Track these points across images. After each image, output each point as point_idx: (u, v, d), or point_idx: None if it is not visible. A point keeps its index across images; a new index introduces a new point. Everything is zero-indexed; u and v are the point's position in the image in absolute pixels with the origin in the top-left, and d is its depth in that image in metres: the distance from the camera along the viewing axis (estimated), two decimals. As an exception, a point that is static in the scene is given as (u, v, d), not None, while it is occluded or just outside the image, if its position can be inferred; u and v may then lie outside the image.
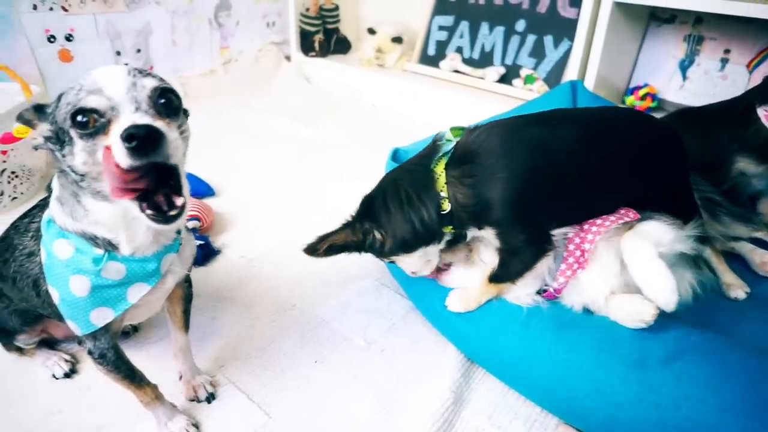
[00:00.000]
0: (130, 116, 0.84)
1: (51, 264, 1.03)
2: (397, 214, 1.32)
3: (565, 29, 2.87)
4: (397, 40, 3.41)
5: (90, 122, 0.84)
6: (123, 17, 3.10)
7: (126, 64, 0.92)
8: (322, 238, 1.43)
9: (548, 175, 1.27)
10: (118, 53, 3.15)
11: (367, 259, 1.89)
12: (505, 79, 3.05)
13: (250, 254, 1.95)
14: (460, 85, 3.15)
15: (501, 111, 2.70)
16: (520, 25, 3.03)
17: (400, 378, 1.45)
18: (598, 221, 1.32)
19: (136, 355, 1.20)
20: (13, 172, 2.16)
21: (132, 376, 1.18)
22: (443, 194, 1.28)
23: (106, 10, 3.01)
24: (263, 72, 3.76)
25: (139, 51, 3.23)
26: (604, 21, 2.44)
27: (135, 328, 1.58)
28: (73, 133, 0.87)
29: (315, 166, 2.65)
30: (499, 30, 3.11)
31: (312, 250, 1.43)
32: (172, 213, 0.88)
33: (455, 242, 1.43)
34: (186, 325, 1.36)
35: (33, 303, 1.19)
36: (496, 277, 1.36)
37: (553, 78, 2.88)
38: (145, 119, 0.83)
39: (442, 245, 1.38)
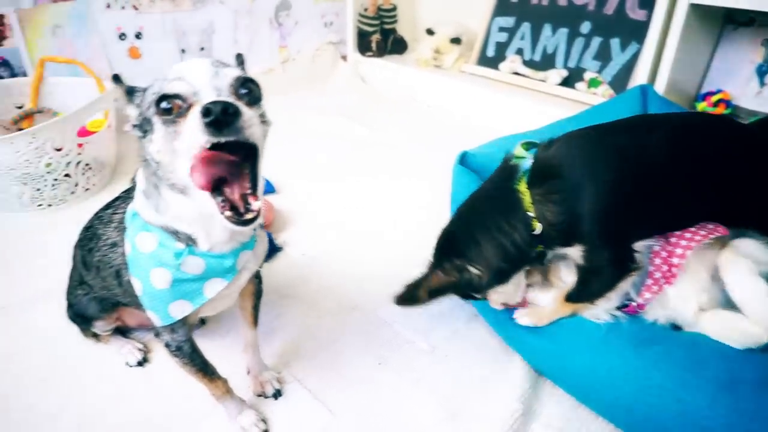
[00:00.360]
0: (210, 100, 0.84)
1: (134, 256, 1.06)
2: (487, 244, 1.24)
3: (634, 31, 2.76)
4: (456, 41, 3.38)
5: (173, 108, 0.86)
6: (189, 16, 3.18)
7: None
8: (415, 286, 1.33)
9: (636, 186, 1.22)
10: (183, 51, 3.24)
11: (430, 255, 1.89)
12: (567, 83, 2.96)
13: (311, 252, 1.96)
14: (520, 87, 3.09)
15: (563, 115, 2.63)
16: (585, 26, 2.94)
17: (465, 385, 1.42)
18: (687, 235, 1.26)
19: (202, 348, 1.23)
20: (87, 164, 2.25)
21: (205, 369, 1.20)
22: (531, 214, 1.21)
23: (174, 9, 3.10)
24: (320, 71, 3.79)
25: (202, 49, 3.31)
26: (679, 23, 2.33)
27: (202, 321, 1.62)
28: (155, 119, 0.88)
29: (372, 165, 2.65)
30: (563, 32, 3.03)
31: (409, 299, 1.35)
32: (249, 217, 0.89)
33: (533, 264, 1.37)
34: (255, 321, 1.37)
35: (114, 292, 1.23)
36: (573, 297, 1.30)
37: (619, 82, 2.79)
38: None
39: (528, 267, 1.33)
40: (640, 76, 2.57)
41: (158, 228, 1.02)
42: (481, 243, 1.25)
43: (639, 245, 1.23)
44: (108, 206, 1.24)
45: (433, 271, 1.34)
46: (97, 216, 1.26)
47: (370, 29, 3.65)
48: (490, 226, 1.25)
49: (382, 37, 3.68)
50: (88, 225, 1.28)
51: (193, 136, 0.81)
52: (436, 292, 1.34)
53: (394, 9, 3.69)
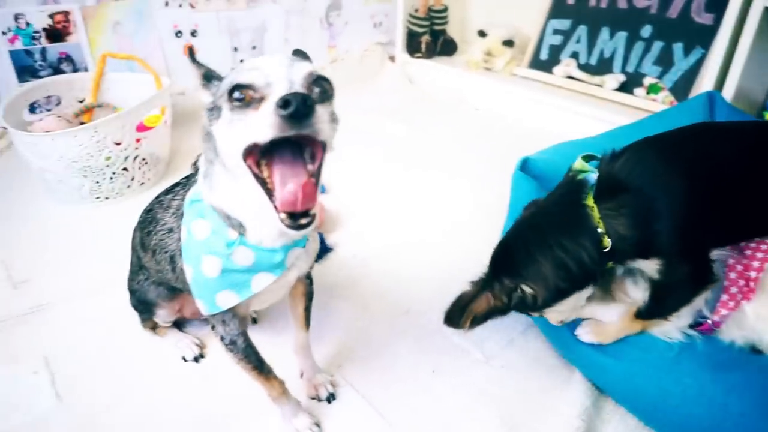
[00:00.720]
0: (283, 92, 0.83)
1: (188, 243, 1.07)
2: (546, 263, 1.18)
3: (699, 36, 2.65)
4: (508, 43, 3.31)
5: (245, 98, 0.85)
6: (242, 15, 3.22)
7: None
8: (461, 308, 1.28)
9: (711, 196, 1.16)
10: (236, 49, 3.28)
11: (481, 267, 1.85)
12: (625, 88, 2.86)
13: (362, 253, 1.94)
14: (575, 92, 3.00)
15: (620, 121, 2.54)
16: (646, 30, 2.84)
17: (522, 398, 1.38)
18: (764, 246, 1.19)
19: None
20: (143, 159, 2.29)
21: (261, 367, 1.20)
22: (601, 230, 1.15)
23: (229, 7, 3.14)
24: (367, 72, 3.78)
25: (254, 48, 3.34)
26: (752, 28, 2.21)
27: (254, 320, 1.62)
28: (224, 105, 0.88)
29: (420, 168, 2.61)
30: (622, 35, 2.93)
31: (454, 323, 1.30)
32: (304, 221, 0.87)
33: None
34: (307, 323, 1.36)
35: (168, 277, 1.25)
36: (645, 313, 1.24)
37: (681, 88, 2.68)
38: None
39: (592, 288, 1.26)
40: (705, 83, 2.46)
41: (213, 213, 1.02)
42: (540, 261, 1.19)
43: (713, 254, 1.17)
44: (168, 191, 1.25)
45: (482, 292, 1.27)
46: (158, 200, 1.27)
47: (420, 30, 3.61)
48: (552, 244, 1.18)
49: (431, 39, 3.64)
50: (149, 208, 1.30)
51: (264, 125, 0.80)
52: (480, 319, 1.28)
53: (445, 10, 3.64)
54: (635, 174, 1.18)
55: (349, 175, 2.51)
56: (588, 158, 1.27)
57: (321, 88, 0.91)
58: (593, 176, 1.20)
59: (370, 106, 3.37)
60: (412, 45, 3.69)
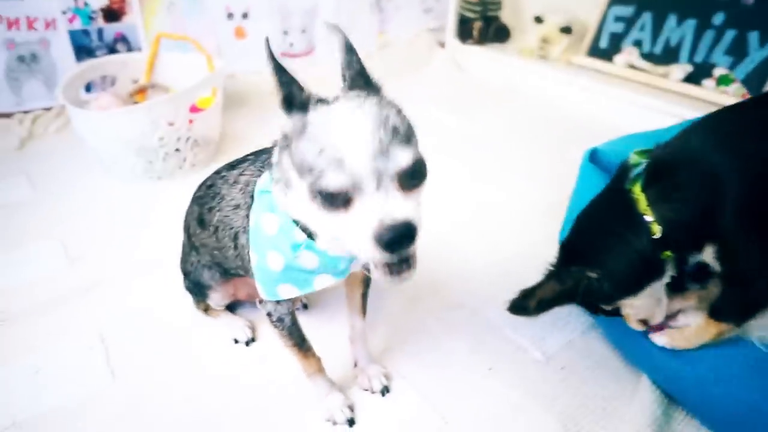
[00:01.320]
0: (373, 197, 0.77)
1: (256, 233, 1.04)
2: (606, 250, 1.15)
3: (777, 25, 2.47)
4: (566, 30, 3.18)
5: (332, 198, 0.79)
6: (294, -3, 3.19)
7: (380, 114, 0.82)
8: (528, 294, 1.25)
9: None
10: (285, 32, 3.25)
11: (540, 262, 1.77)
12: (692, 79, 2.70)
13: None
14: (637, 82, 2.85)
15: (686, 114, 2.40)
16: (718, 18, 2.66)
17: (585, 402, 1.31)
18: None
19: (305, 332, 1.21)
20: (195, 140, 2.29)
21: (301, 344, 1.19)
22: (648, 218, 1.09)
23: (281, -11, 3.11)
24: (416, 58, 3.70)
25: (304, 31, 3.31)
26: (843, 16, 2.05)
27: (305, 306, 1.59)
28: (308, 195, 0.82)
29: (471, 158, 2.53)
30: (690, 23, 2.76)
31: (520, 308, 1.26)
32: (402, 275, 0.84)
33: (683, 284, 1.22)
34: (364, 310, 1.32)
35: (227, 255, 1.21)
36: (719, 311, 1.15)
37: (755, 80, 2.50)
38: (390, 199, 0.77)
39: (666, 279, 1.17)
40: (784, 75, 2.30)
41: (283, 212, 0.99)
42: (600, 249, 1.17)
43: None
44: (233, 166, 1.21)
45: (550, 279, 1.24)
46: (220, 175, 1.23)
47: (473, 16, 3.51)
48: (607, 232, 1.16)
49: (484, 25, 3.53)
50: (210, 183, 1.26)
51: (362, 247, 0.79)
52: (547, 303, 1.25)
53: (499, -5, 3.53)
54: (685, 155, 1.11)
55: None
56: (643, 154, 1.18)
57: (416, 173, 0.81)
58: (642, 165, 1.15)
59: (419, 94, 3.29)
60: (464, 31, 3.59)
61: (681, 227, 1.09)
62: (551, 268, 1.26)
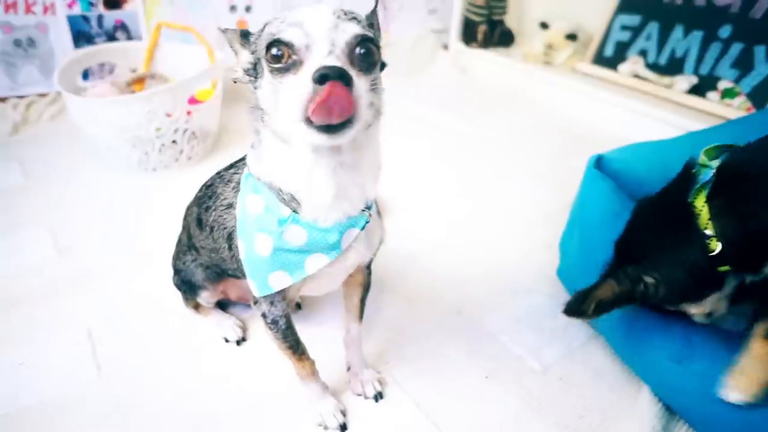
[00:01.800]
0: (321, 58, 0.78)
1: (243, 218, 1.01)
2: (661, 258, 1.11)
3: (785, 39, 2.46)
4: (572, 37, 3.16)
5: (284, 56, 0.80)
6: (298, -8, 3.15)
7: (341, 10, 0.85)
8: (585, 295, 1.18)
9: None
10: (288, 28, 3.21)
11: (539, 270, 1.75)
12: (697, 91, 2.69)
13: (410, 246, 1.85)
14: (641, 92, 2.84)
15: (689, 126, 2.38)
16: (725, 30, 2.65)
17: (582, 414, 1.28)
18: None
19: (298, 333, 1.18)
20: (193, 132, 2.25)
21: (295, 347, 1.16)
22: (709, 232, 1.05)
23: (285, -16, 3.08)
24: (419, 60, 3.67)
25: (307, 27, 3.27)
26: None
27: (298, 305, 1.56)
28: (265, 64, 0.84)
29: (471, 161, 2.51)
30: (697, 35, 2.74)
31: (577, 311, 1.18)
32: (335, 122, 0.77)
33: (744, 297, 1.15)
34: (361, 315, 1.29)
35: (222, 255, 1.18)
36: None
37: (761, 94, 2.49)
38: (335, 63, 0.76)
39: (727, 290, 1.13)
40: (790, 90, 2.28)
41: (265, 188, 0.96)
42: (656, 255, 1.13)
43: None
44: (231, 166, 1.18)
45: (606, 280, 1.18)
46: (219, 174, 1.21)
47: (478, 19, 3.49)
48: (664, 240, 1.12)
49: (488, 28, 3.51)
50: (209, 183, 1.23)
51: (299, 95, 0.76)
52: (606, 305, 1.17)
53: (504, 0, 3.51)
54: (764, 161, 1.06)
55: (397, 165, 2.42)
56: (716, 151, 1.14)
57: (366, 50, 0.82)
58: (710, 172, 1.09)
59: (420, 95, 3.27)
60: (468, 34, 3.56)
61: (742, 245, 1.05)
62: (608, 266, 1.22)
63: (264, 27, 0.87)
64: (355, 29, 0.81)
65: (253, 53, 0.90)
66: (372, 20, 0.93)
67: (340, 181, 0.91)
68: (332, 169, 0.90)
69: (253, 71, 0.89)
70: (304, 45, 0.80)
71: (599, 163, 1.55)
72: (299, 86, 0.76)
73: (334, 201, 0.93)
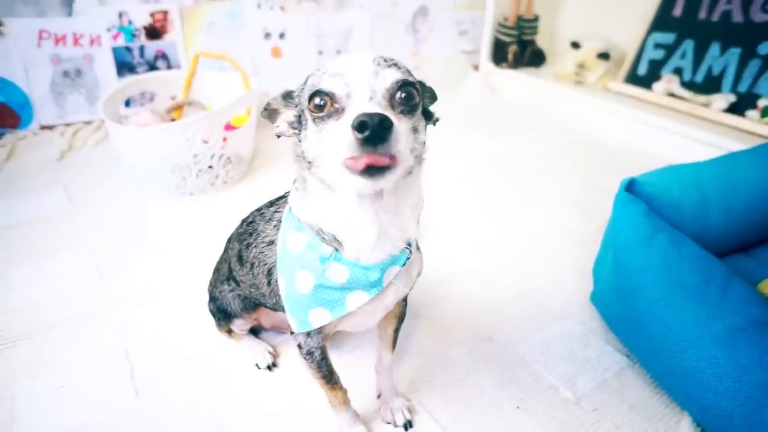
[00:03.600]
0: (362, 105, 0.80)
1: (284, 255, 1.03)
2: None
3: (828, 56, 2.38)
4: (604, 56, 3.13)
5: (326, 105, 0.84)
6: (330, 18, 3.23)
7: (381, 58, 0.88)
8: None
9: None
10: (320, 53, 3.29)
11: (571, 296, 1.72)
12: (735, 109, 2.62)
13: (441, 271, 1.85)
14: (676, 111, 2.78)
15: (728, 146, 2.33)
16: (764, 47, 2.58)
17: (618, 449, 1.24)
18: None
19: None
20: (228, 158, 2.32)
21: (329, 377, 1.16)
22: None
23: (318, 11, 3.16)
24: (450, 80, 3.70)
25: (338, 52, 3.34)
26: None
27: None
28: (308, 114, 0.87)
29: (503, 184, 2.49)
30: (735, 51, 2.68)
31: None
32: (377, 165, 0.78)
33: None
34: (394, 344, 1.29)
35: (262, 291, 1.20)
36: None
37: (803, 112, 2.41)
38: (376, 109, 0.78)
39: None
40: (835, 108, 2.20)
41: (307, 227, 0.98)
42: None
43: None
44: (271, 204, 1.22)
45: None
46: (260, 212, 1.24)
47: (508, 39, 3.49)
48: None
49: (519, 49, 3.51)
50: (250, 220, 1.26)
51: (342, 144, 0.79)
52: None
53: (535, 20, 3.50)
54: None
55: (427, 188, 2.43)
56: None
57: (407, 95, 0.85)
58: None
59: (451, 116, 3.25)
60: (499, 54, 3.57)
61: None
62: None
63: (306, 79, 0.91)
64: (395, 75, 0.84)
65: (296, 106, 0.94)
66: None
67: (382, 225, 0.94)
68: (374, 214, 0.92)
69: (297, 123, 0.93)
70: (345, 94, 0.83)
71: (631, 186, 1.52)
72: (341, 133, 0.79)
73: (376, 243, 0.95)
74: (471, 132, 3.05)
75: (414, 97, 0.86)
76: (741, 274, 1.54)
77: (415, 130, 0.87)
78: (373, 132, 0.75)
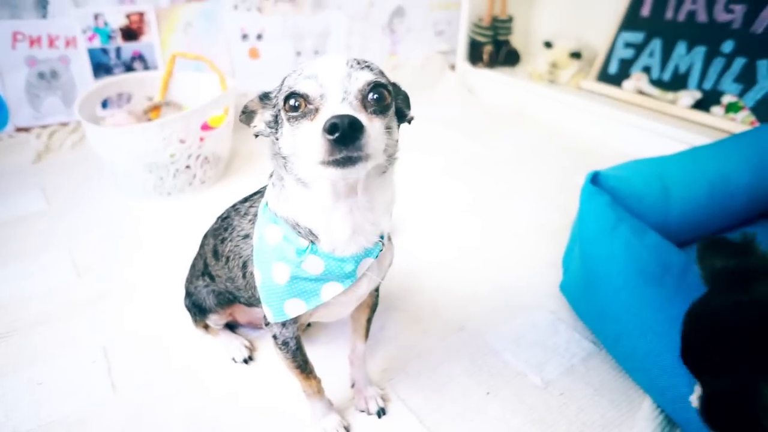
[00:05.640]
0: (335, 106, 0.84)
1: (260, 247, 1.06)
2: None
3: (787, 53, 2.48)
4: (576, 55, 3.20)
5: (300, 106, 0.87)
6: (307, 20, 3.25)
7: (355, 60, 0.91)
8: None
9: None
10: (298, 53, 3.32)
11: (542, 287, 1.78)
12: (701, 106, 2.71)
13: (416, 265, 1.90)
14: (645, 108, 2.86)
15: (694, 141, 2.41)
16: (728, 45, 2.67)
17: (582, 430, 1.30)
18: None
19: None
20: (205, 158, 2.34)
21: (303, 367, 1.20)
22: None
23: (295, 12, 3.19)
24: (427, 80, 3.75)
25: (316, 53, 3.37)
26: None
27: (308, 324, 1.60)
28: (283, 114, 0.90)
29: (480, 179, 2.55)
30: (700, 50, 2.77)
31: None
32: (343, 156, 0.81)
33: None
34: (367, 334, 1.33)
35: (236, 284, 1.24)
36: None
37: (764, 108, 2.50)
38: (347, 110, 0.82)
39: None
40: (793, 104, 2.29)
41: (283, 221, 1.01)
42: None
43: None
44: (245, 200, 1.25)
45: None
46: (234, 208, 1.27)
47: (483, 40, 3.55)
48: None
49: (494, 48, 3.58)
50: (225, 215, 1.29)
51: (314, 144, 0.82)
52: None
53: (509, 20, 3.57)
54: None
55: (402, 183, 2.47)
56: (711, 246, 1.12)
57: (378, 96, 0.88)
58: None
59: (429, 115, 3.32)
60: (474, 54, 3.63)
61: None
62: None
63: (283, 81, 0.94)
64: (367, 77, 0.87)
65: (274, 107, 0.97)
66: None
67: (356, 221, 0.98)
68: (348, 211, 0.96)
69: (274, 123, 0.96)
70: (319, 95, 0.86)
71: (596, 179, 1.58)
72: (314, 133, 0.82)
73: (351, 237, 0.99)
74: (448, 130, 3.10)
75: (385, 98, 0.89)
76: (702, 261, 1.61)
77: (387, 129, 0.91)
78: (344, 133, 0.78)
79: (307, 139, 0.84)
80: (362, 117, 0.82)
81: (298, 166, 0.91)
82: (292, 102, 0.88)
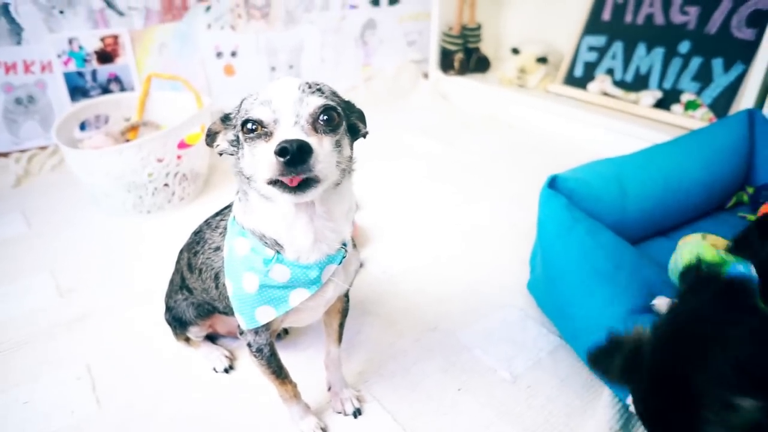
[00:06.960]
0: (287, 130, 0.91)
1: (230, 259, 1.13)
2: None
3: (739, 51, 2.59)
4: (542, 60, 3.31)
5: (257, 129, 0.94)
6: (280, 36, 3.33)
7: (308, 83, 0.99)
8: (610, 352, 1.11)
9: None
10: (273, 69, 3.38)
11: (512, 286, 1.85)
12: (662, 105, 2.82)
13: (392, 270, 1.97)
14: (610, 108, 2.97)
15: (657, 138, 2.51)
16: (684, 46, 2.79)
17: (548, 419, 1.37)
18: None
19: (283, 359, 1.28)
20: (183, 175, 2.39)
21: (279, 372, 1.26)
22: None
23: (267, 28, 3.26)
24: (401, 89, 3.84)
25: (291, 67, 3.44)
26: (794, 44, 2.16)
27: (285, 331, 1.66)
28: (241, 136, 0.97)
29: (453, 184, 2.63)
30: (659, 51, 2.89)
31: (597, 362, 1.15)
32: (298, 179, 0.89)
33: None
34: (340, 339, 1.39)
35: (211, 295, 1.30)
36: None
37: (721, 105, 2.61)
38: (299, 134, 0.89)
39: None
40: (745, 100, 2.41)
41: (250, 233, 1.08)
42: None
43: None
44: (217, 213, 1.32)
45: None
46: (206, 222, 1.34)
47: (454, 48, 3.65)
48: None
49: (465, 56, 3.67)
50: (198, 230, 1.36)
51: (267, 165, 0.89)
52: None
53: (478, 28, 3.67)
54: None
55: (380, 191, 2.55)
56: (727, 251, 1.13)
57: (328, 117, 0.95)
58: (751, 271, 1.02)
59: (404, 123, 3.41)
60: (446, 62, 3.72)
61: None
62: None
63: (241, 103, 1.02)
64: (317, 101, 0.94)
65: (234, 128, 1.04)
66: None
67: (317, 229, 1.05)
68: (309, 220, 1.03)
69: (236, 142, 1.03)
70: (272, 120, 0.93)
71: (554, 183, 1.66)
72: (267, 155, 0.89)
73: (313, 245, 1.06)
74: (422, 136, 3.19)
75: (335, 119, 0.96)
76: (660, 254, 1.70)
77: (338, 146, 0.98)
78: (293, 156, 0.85)
79: (262, 159, 0.91)
80: (312, 139, 0.90)
81: (258, 184, 0.98)
82: (249, 126, 0.95)
